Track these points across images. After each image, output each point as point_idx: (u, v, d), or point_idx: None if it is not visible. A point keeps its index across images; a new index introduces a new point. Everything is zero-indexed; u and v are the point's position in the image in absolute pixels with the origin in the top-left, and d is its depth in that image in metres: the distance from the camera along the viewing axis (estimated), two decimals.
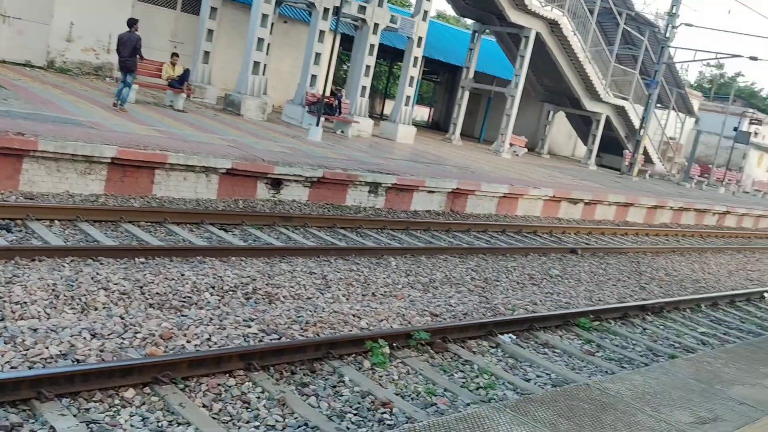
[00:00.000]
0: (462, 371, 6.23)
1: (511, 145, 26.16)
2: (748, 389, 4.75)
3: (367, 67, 20.61)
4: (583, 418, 3.71)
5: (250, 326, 6.15)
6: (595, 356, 7.33)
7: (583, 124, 31.96)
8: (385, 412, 5.10)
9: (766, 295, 12.49)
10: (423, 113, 44.00)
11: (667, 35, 28.36)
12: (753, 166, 45.95)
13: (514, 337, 7.39)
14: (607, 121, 29.80)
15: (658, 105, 32.45)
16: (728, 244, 19.31)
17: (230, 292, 7.08)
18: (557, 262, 12.08)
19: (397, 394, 5.46)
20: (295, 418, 4.76)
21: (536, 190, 16.73)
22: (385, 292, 8.25)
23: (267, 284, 7.48)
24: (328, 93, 19.10)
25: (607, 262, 12.99)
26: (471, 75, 26.38)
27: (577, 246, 13.83)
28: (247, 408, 4.81)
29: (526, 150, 27.80)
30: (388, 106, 35.43)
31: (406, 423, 4.88)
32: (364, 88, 20.79)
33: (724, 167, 38.87)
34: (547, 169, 23.85)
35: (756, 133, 44.08)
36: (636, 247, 15.32)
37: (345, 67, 34.13)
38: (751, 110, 45.30)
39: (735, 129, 36.84)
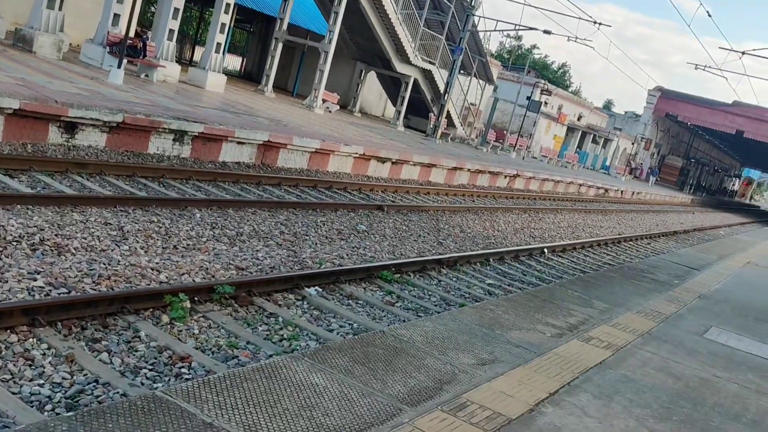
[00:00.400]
0: (266, 324, 6.24)
1: (324, 101, 26.24)
2: (524, 333, 5.25)
3: (176, 9, 19.50)
4: (377, 363, 3.90)
5: (35, 279, 5.69)
6: (394, 306, 7.68)
7: (393, 85, 32.83)
8: (183, 367, 4.99)
9: (546, 250, 13.81)
10: (236, 63, 42.65)
11: (473, 4, 29.80)
12: (542, 133, 50.20)
13: (320, 289, 7.52)
14: (416, 83, 30.86)
15: (462, 71, 34.16)
16: (516, 205, 21.03)
17: (14, 243, 6.48)
18: (365, 218, 12.44)
19: (197, 348, 5.35)
20: (85, 374, 4.51)
21: (347, 147, 16.99)
22: (188, 245, 8.00)
23: (56, 235, 6.93)
24: (132, 34, 17.82)
25: (410, 219, 13.61)
26: (285, 27, 25.94)
27: (384, 203, 14.31)
28: (30, 365, 4.47)
29: (338, 107, 28.05)
30: (199, 54, 33.87)
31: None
32: (171, 31, 19.69)
33: (517, 133, 42.06)
34: (358, 127, 24.29)
35: (546, 103, 48.10)
36: (436, 205, 16.18)
37: (152, 9, 32.01)
38: (542, 81, 49.24)
39: (528, 98, 39.86)
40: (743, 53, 26.91)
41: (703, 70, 29.30)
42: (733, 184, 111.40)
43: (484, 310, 5.67)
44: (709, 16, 25.90)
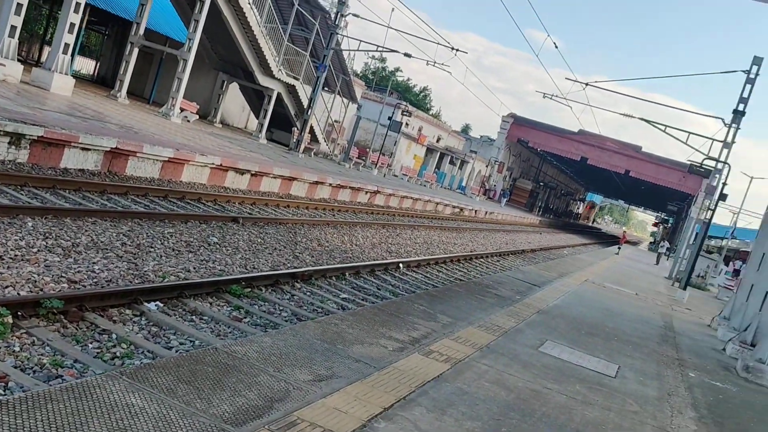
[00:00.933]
0: (98, 341, 5.85)
1: (182, 109, 25.38)
2: (366, 348, 5.25)
3: (18, 5, 18.14)
4: (205, 381, 3.72)
5: None
6: (242, 322, 7.46)
7: (256, 97, 32.40)
8: None
9: (401, 265, 14.05)
10: (89, 66, 40.38)
11: (337, 22, 30.09)
12: (403, 152, 51.45)
13: (161, 304, 7.18)
14: (279, 97, 30.64)
15: (326, 88, 34.31)
16: (376, 220, 21.31)
17: None
18: (217, 230, 12.08)
19: (16, 367, 4.91)
20: None
21: (203, 157, 16.48)
22: (15, 255, 7.37)
23: None
24: None
25: (266, 232, 13.38)
26: (141, 32, 24.88)
27: (240, 215, 14.00)
28: None
29: (197, 116, 27.24)
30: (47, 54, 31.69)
31: None
32: (13, 27, 18.29)
33: (379, 152, 42.84)
34: (218, 138, 23.68)
35: (407, 124, 49.35)
36: (295, 218, 16.04)
37: None
38: (404, 103, 50.56)
39: (389, 118, 40.75)
40: (587, 85, 28.99)
41: (551, 99, 31.28)
42: (578, 208, 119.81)
43: (329, 324, 5.62)
44: (556, 47, 27.75)
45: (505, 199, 62.42)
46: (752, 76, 25.38)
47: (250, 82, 29.65)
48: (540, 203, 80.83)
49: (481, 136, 73.85)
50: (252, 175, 18.70)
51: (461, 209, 38.28)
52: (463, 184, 60.69)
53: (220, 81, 31.10)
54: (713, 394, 7.66)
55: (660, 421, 5.78)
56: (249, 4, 25.17)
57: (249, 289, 8.71)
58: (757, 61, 25.41)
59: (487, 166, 66.50)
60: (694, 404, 6.82)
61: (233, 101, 34.44)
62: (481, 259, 20.02)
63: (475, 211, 40.87)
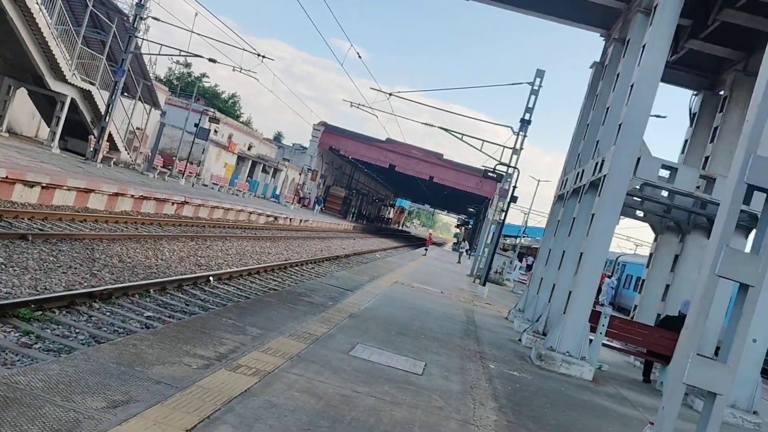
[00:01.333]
0: None
1: None
2: (168, 368, 5.01)
3: None
4: None
5: None
6: (32, 349, 6.86)
7: (47, 104, 29.89)
8: None
9: (211, 278, 13.65)
10: None
11: (135, 25, 28.64)
12: (212, 161, 50.08)
13: None
14: (73, 103, 28.55)
15: (125, 94, 32.49)
16: (184, 232, 20.53)
17: None
18: (3, 249, 11.02)
19: None
20: None
21: None
22: None
23: None
24: None
25: (59, 249, 12.39)
26: None
27: (30, 232, 12.84)
28: None
29: None
30: None
31: None
32: None
33: (186, 160, 41.36)
34: (4, 148, 21.51)
35: (216, 131, 48.17)
36: (93, 233, 15.01)
37: None
38: (211, 109, 49.30)
39: (196, 125, 39.52)
40: (390, 95, 30.12)
41: (358, 108, 32.11)
42: (389, 213, 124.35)
43: (126, 345, 5.30)
44: (359, 57, 28.51)
45: (320, 207, 63.07)
46: (536, 87, 27.84)
47: (41, 88, 27.32)
48: (353, 209, 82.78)
49: (294, 144, 74.06)
50: (43, 187, 17.23)
51: (276, 218, 38.05)
52: (278, 192, 60.40)
53: (6, 86, 28.33)
54: (511, 383, 8.23)
55: (463, 414, 6.09)
56: (37, 4, 23.17)
57: (40, 312, 8.04)
58: (540, 73, 27.92)
59: (300, 174, 66.80)
60: (494, 395, 7.27)
61: (22, 108, 31.51)
62: (296, 268, 20.03)
63: (290, 219, 40.84)
